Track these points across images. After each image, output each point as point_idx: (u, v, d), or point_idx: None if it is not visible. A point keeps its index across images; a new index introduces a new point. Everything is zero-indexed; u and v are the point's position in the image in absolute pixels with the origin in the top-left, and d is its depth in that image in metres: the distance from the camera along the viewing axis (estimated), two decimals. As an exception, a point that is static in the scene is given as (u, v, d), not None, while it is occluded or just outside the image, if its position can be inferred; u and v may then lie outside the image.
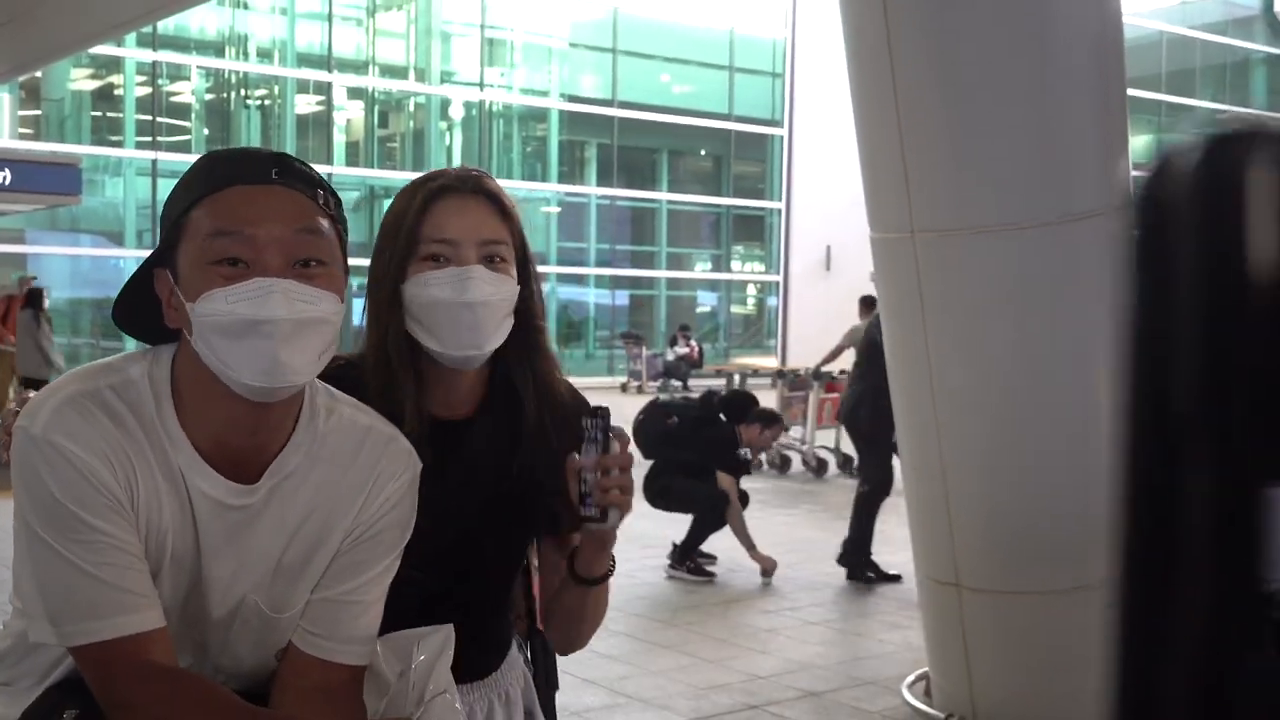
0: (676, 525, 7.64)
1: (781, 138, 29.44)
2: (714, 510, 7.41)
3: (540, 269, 1.94)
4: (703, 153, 30.08)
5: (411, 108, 25.93)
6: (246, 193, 1.48)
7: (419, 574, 1.72)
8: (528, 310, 1.84)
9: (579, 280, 27.03)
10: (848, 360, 12.80)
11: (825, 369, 13.33)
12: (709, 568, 7.44)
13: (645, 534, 8.24)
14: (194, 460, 1.51)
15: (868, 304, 13.32)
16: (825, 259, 28.52)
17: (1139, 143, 32.15)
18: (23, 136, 21.58)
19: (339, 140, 24.61)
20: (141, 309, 1.57)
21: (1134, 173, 3.47)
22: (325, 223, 1.50)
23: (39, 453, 1.43)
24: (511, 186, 19.63)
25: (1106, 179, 3.32)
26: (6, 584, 1.56)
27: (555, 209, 26.83)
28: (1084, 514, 3.40)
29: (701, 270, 30.55)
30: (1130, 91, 3.49)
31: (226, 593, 1.56)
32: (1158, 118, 33.57)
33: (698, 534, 7.48)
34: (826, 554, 8.22)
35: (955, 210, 3.29)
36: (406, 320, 1.78)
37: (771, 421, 8.09)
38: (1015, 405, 3.38)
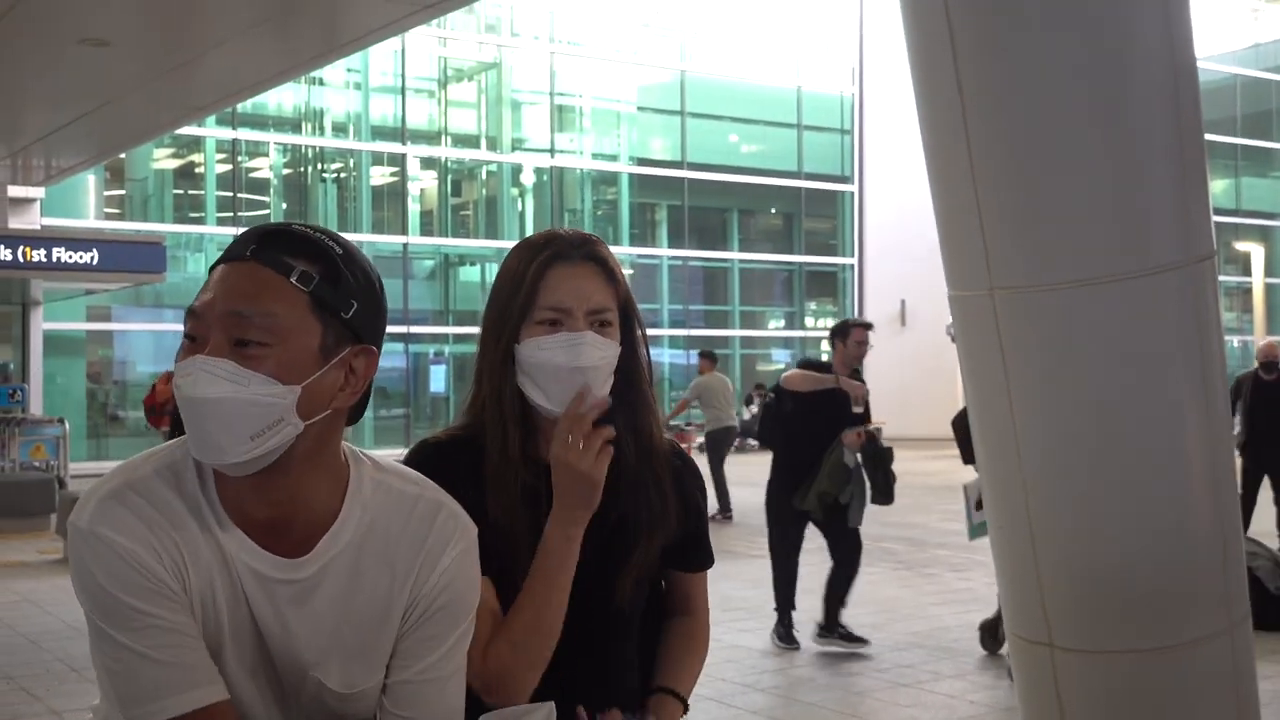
0: (760, 589, 7.57)
1: (852, 193, 29.42)
2: (845, 544, 7.14)
3: None
4: (773, 211, 30.12)
5: (484, 176, 26.27)
6: (219, 271, 1.51)
7: None
8: (631, 366, 1.97)
9: (653, 341, 27.02)
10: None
11: (674, 421, 14.26)
12: (858, 634, 7.08)
13: (728, 597, 8.19)
14: (239, 537, 1.53)
15: (709, 358, 14.28)
16: (900, 313, 28.37)
17: (1217, 187, 31.79)
18: (108, 216, 22.14)
19: (413, 210, 24.95)
20: None
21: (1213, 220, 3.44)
22: (278, 305, 1.47)
23: (86, 546, 1.46)
24: (585, 252, 19.57)
25: (1186, 230, 3.27)
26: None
27: (628, 271, 27.03)
28: (1177, 569, 3.33)
29: (775, 328, 30.50)
30: (1206, 136, 3.45)
31: (292, 668, 1.57)
32: (1234, 161, 33.14)
33: (839, 585, 7.17)
34: (912, 613, 8.12)
35: (1034, 266, 3.25)
36: (519, 377, 1.89)
37: (843, 331, 7.67)
38: (1102, 461, 3.32)
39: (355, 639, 1.58)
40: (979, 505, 6.39)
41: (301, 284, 1.48)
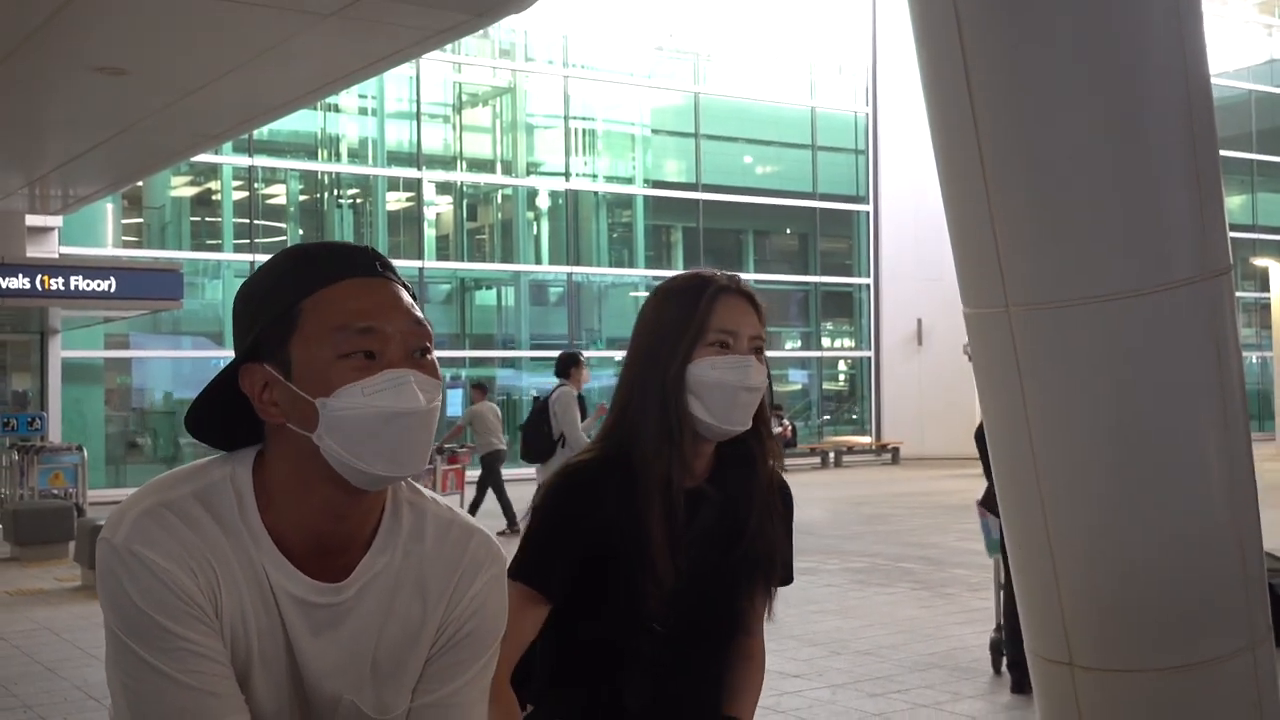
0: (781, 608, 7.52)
1: (867, 213, 29.40)
2: None
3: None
4: (788, 232, 30.11)
5: (499, 200, 26.33)
6: (363, 286, 1.51)
7: (661, 629, 2.02)
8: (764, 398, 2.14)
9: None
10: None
11: (447, 445, 15.35)
12: None
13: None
14: (278, 560, 1.51)
15: (480, 389, 15.78)
16: (917, 333, 28.31)
17: (1233, 203, 31.70)
18: (126, 244, 22.24)
19: (429, 235, 25.01)
20: (211, 413, 1.58)
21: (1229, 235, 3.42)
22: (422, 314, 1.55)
23: (120, 563, 1.44)
24: (599, 273, 19.67)
25: (1201, 245, 3.26)
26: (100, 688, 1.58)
27: (644, 294, 27.03)
28: (1197, 587, 3.30)
29: (791, 349, 30.46)
30: (1221, 152, 3.44)
31: (326, 694, 1.56)
32: (1250, 177, 33.04)
33: None
34: (931, 633, 8.08)
35: (1050, 283, 3.24)
36: (686, 395, 2.05)
37: None
38: (1121, 478, 3.30)
39: (389, 662, 1.58)
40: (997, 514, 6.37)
41: (413, 298, 1.56)
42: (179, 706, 1.44)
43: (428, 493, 1.67)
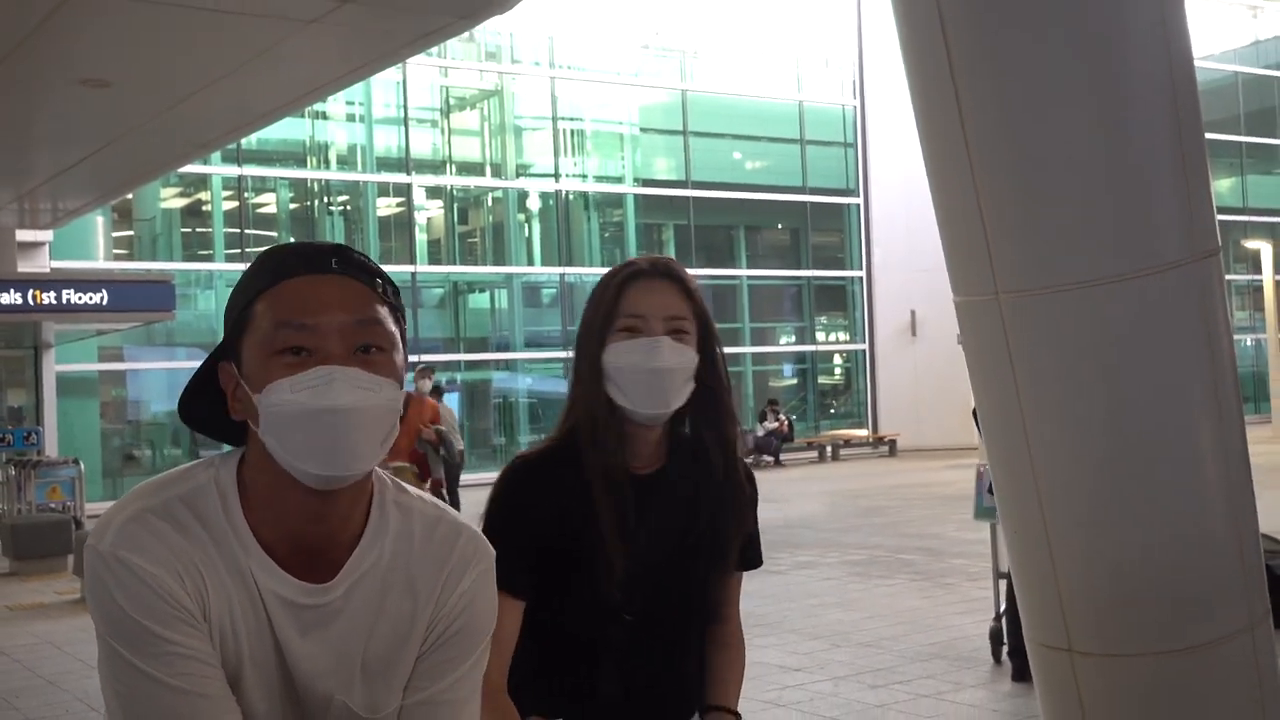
0: (780, 604, 7.51)
1: (858, 206, 29.41)
2: None
3: None
4: (780, 226, 30.11)
5: (490, 203, 26.32)
6: (308, 283, 1.50)
7: (630, 617, 2.05)
8: (712, 376, 2.12)
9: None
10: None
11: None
12: None
13: (748, 614, 8.15)
14: (264, 561, 1.51)
15: (435, 390, 15.33)
16: (911, 324, 28.33)
17: (1223, 186, 31.73)
18: (118, 257, 22.21)
19: (420, 239, 24.99)
20: (208, 406, 1.59)
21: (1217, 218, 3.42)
22: (384, 310, 1.52)
23: (107, 569, 1.45)
24: (592, 273, 19.60)
25: (1189, 227, 3.26)
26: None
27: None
28: (1194, 570, 3.31)
29: (786, 343, 30.47)
30: (1209, 135, 3.44)
31: (316, 694, 1.56)
32: (1239, 159, 33.09)
33: None
34: (931, 623, 8.09)
35: (1039, 269, 3.24)
36: (606, 384, 2.06)
37: None
38: (1115, 463, 3.31)
39: (379, 661, 1.58)
40: (990, 490, 6.42)
41: (385, 295, 1.53)
42: (171, 710, 1.44)
43: (414, 491, 1.66)
